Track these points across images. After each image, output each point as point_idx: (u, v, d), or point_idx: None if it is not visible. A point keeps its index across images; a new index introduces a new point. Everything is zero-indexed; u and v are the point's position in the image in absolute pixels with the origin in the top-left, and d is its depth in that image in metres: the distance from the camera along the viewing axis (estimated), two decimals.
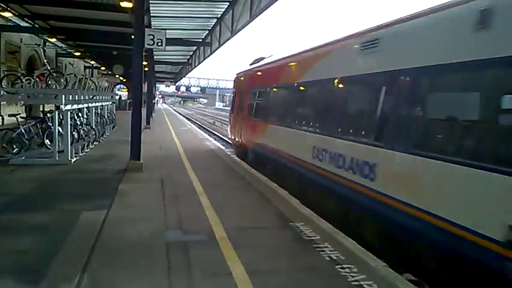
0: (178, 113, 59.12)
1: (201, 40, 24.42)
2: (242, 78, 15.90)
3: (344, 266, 4.58)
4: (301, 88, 9.72)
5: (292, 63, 10.59)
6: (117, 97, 35.96)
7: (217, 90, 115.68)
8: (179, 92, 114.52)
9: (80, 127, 12.40)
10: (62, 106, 10.21)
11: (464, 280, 4.82)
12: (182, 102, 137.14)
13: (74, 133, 11.27)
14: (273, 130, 11.16)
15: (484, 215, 4.34)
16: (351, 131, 7.11)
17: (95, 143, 13.88)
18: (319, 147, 8.02)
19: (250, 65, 15.61)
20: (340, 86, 7.75)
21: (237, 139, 15.47)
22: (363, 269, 4.52)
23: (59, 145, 10.38)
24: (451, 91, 5.28)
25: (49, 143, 10.94)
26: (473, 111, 4.72)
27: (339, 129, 7.42)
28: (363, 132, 6.66)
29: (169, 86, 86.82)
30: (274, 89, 11.93)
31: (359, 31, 7.23)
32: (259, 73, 13.75)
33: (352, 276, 4.32)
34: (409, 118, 5.68)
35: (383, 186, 5.87)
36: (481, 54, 4.50)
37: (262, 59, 14.75)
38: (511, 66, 4.16)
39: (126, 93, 44.81)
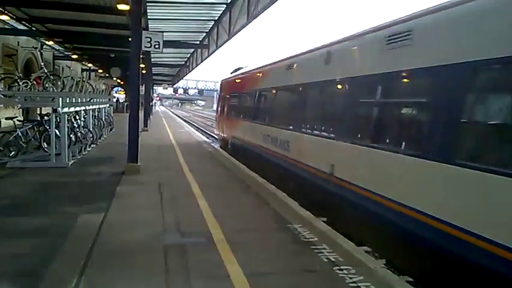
0: (176, 115, 59.05)
1: (198, 42, 24.43)
2: (224, 85, 19.90)
3: (342, 267, 4.58)
4: (256, 94, 13.30)
5: (251, 75, 14.44)
6: (115, 99, 36.02)
7: (215, 92, 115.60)
8: (177, 94, 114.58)
9: (77, 130, 12.38)
10: (59, 109, 10.19)
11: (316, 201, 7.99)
12: (180, 104, 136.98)
13: (71, 136, 11.25)
14: (241, 125, 15.09)
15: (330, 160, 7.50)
16: (278, 122, 10.87)
17: (92, 145, 13.86)
18: (265, 134, 11.76)
19: (231, 73, 18.87)
20: (273, 93, 11.91)
21: (220, 134, 19.65)
22: (361, 270, 4.52)
23: (56, 148, 10.36)
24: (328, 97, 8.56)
25: (46, 146, 10.91)
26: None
27: (274, 122, 11.24)
28: (284, 122, 10.35)
29: (167, 88, 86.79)
30: (243, 94, 15.38)
31: (282, 58, 11.24)
32: (235, 81, 17.26)
33: (350, 278, 4.31)
34: (299, 112, 9.49)
35: (293, 155, 9.48)
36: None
37: (239, 68, 17.79)
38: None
39: (124, 95, 44.81)
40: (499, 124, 4.33)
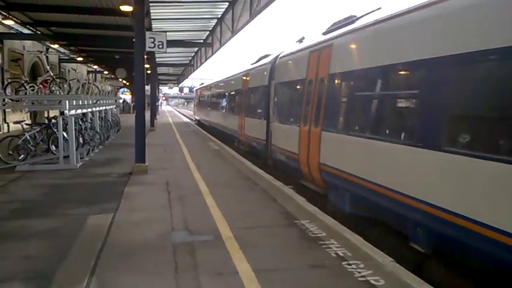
0: (182, 114, 59.21)
1: (202, 41, 24.45)
2: (196, 91, 39.87)
3: (351, 262, 4.59)
4: (208, 95, 27.33)
5: (205, 87, 31.25)
6: (121, 100, 36.19)
7: None
8: (182, 94, 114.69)
9: (85, 132, 12.47)
10: (66, 111, 10.27)
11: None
12: (186, 103, 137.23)
13: (78, 138, 11.33)
14: (205, 111, 28.76)
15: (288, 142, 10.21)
16: (229, 111, 18.69)
17: (100, 147, 13.96)
18: (216, 116, 22.28)
19: (199, 85, 39.81)
20: (215, 95, 24.00)
21: (195, 117, 37.87)
22: (370, 264, 4.52)
23: (64, 150, 10.44)
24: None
25: (54, 149, 11.01)
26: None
27: (227, 110, 19.11)
28: (232, 110, 17.92)
29: (172, 88, 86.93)
30: (202, 96, 31.97)
31: (213, 82, 26.44)
32: (199, 90, 36.10)
33: (359, 272, 4.32)
34: (242, 106, 15.99)
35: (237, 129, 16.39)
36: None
37: (203, 83, 37.23)
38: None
39: (130, 96, 44.99)
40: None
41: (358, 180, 6.49)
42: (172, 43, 19.56)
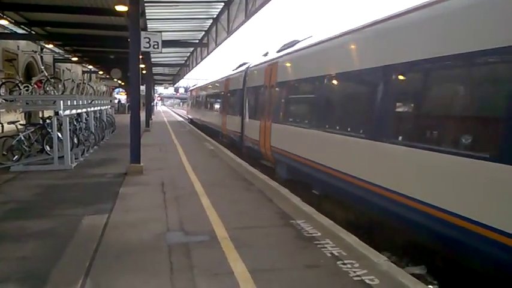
0: (178, 114, 59.12)
1: (197, 41, 24.43)
2: (189, 92, 42.08)
3: (346, 261, 4.61)
4: (199, 96, 30.30)
5: (197, 88, 34.19)
6: (116, 101, 36.09)
7: None
8: (178, 94, 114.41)
9: (79, 132, 12.42)
10: (61, 112, 10.23)
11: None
12: (181, 103, 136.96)
13: (73, 138, 11.29)
14: (195, 110, 32.29)
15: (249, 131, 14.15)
16: (214, 110, 22.10)
17: (94, 147, 13.91)
18: (205, 114, 25.57)
19: (192, 86, 44.94)
20: (203, 97, 27.71)
21: (188, 115, 40.28)
22: (365, 264, 4.54)
23: (58, 151, 10.40)
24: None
25: (49, 149, 10.96)
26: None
27: (213, 109, 22.55)
28: (217, 109, 21.31)
29: (167, 88, 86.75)
30: (194, 97, 34.45)
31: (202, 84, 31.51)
32: (192, 91, 38.18)
33: (354, 272, 4.34)
34: (224, 105, 19.06)
35: (220, 124, 19.19)
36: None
37: (195, 85, 40.67)
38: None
39: (125, 96, 44.87)
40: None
41: (291, 155, 9.60)
42: (167, 43, 19.54)
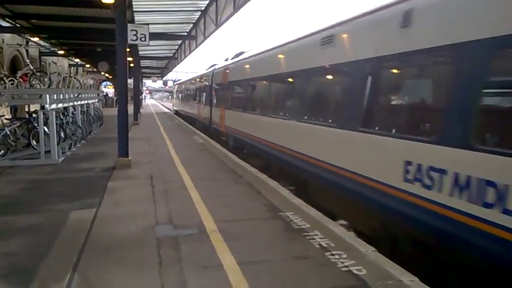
0: (166, 107, 58.80)
1: (186, 34, 24.27)
2: (174, 87, 50.11)
3: (334, 252, 4.65)
4: (180, 93, 37.85)
5: (180, 84, 40.12)
6: (104, 94, 35.74)
7: None
8: (167, 87, 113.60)
9: (66, 126, 12.30)
10: (47, 106, 10.10)
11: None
12: (170, 96, 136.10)
13: (60, 132, 11.16)
14: (178, 102, 38.09)
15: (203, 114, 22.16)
16: (193, 101, 26.44)
17: (82, 141, 13.78)
18: (186, 106, 30.93)
19: (175, 83, 55.93)
20: (185, 91, 33.70)
21: (174, 107, 44.17)
22: (353, 255, 4.59)
23: (45, 145, 10.28)
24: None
25: (35, 144, 10.84)
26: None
27: (192, 101, 27.08)
28: (195, 101, 25.60)
29: (156, 81, 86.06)
30: (178, 91, 40.59)
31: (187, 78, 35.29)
32: (176, 86, 45.11)
33: (342, 262, 4.38)
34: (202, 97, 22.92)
35: (197, 113, 24.03)
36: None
37: (179, 80, 47.85)
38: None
39: (113, 90, 44.46)
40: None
41: (234, 130, 14.02)
42: (155, 36, 19.36)
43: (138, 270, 4.19)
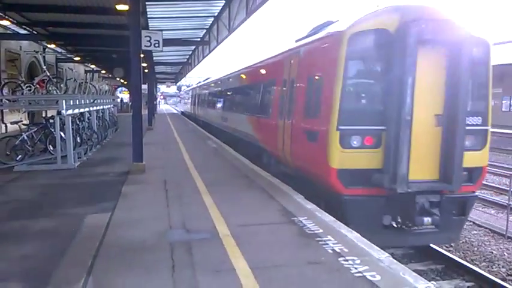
0: (178, 111, 59.36)
1: (199, 39, 24.46)
2: (179, 95, 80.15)
3: (347, 258, 4.61)
4: (182, 99, 60.51)
5: (187, 91, 48.83)
6: (119, 100, 36.21)
7: None
8: (181, 92, 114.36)
9: (82, 131, 12.46)
10: (63, 111, 10.27)
11: None
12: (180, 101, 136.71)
13: (76, 138, 11.32)
14: (182, 105, 56.92)
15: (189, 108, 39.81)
16: (188, 105, 42.30)
17: (97, 146, 13.96)
18: (186, 108, 45.13)
19: (180, 91, 74.35)
20: (185, 98, 51.10)
21: (180, 110, 58.24)
22: (366, 260, 4.54)
23: (61, 150, 10.44)
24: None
25: (52, 149, 11.00)
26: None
27: (187, 104, 44.51)
28: (188, 104, 41.92)
29: (170, 87, 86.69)
30: (182, 97, 61.47)
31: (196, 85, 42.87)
32: (181, 94, 70.09)
33: (356, 268, 4.34)
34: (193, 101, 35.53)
35: (192, 112, 36.90)
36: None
37: (191, 85, 54.18)
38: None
39: (128, 95, 44.95)
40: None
41: (201, 117, 28.00)
42: (169, 42, 19.55)
43: (151, 274, 4.22)
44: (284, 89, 9.47)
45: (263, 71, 12.24)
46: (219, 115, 19.48)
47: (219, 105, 20.22)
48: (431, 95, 6.65)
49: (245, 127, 13.33)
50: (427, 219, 6.63)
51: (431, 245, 7.71)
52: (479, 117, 6.98)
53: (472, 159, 6.79)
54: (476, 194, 7.52)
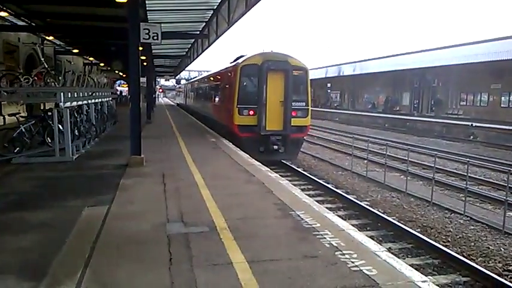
0: (179, 106, 59.45)
1: (198, 32, 24.33)
2: (175, 90, 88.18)
3: (344, 252, 4.62)
4: (178, 94, 75.01)
5: (184, 86, 56.41)
6: (118, 93, 36.16)
7: None
8: (177, 87, 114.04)
9: (80, 124, 12.43)
10: (61, 104, 10.24)
11: None
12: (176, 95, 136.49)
13: (74, 130, 11.30)
14: (178, 99, 68.79)
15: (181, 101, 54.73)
16: (181, 97, 58.53)
17: (96, 139, 13.93)
18: (180, 100, 59.92)
19: (178, 86, 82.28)
20: (180, 93, 67.29)
21: (176, 102, 68.21)
22: (363, 254, 4.56)
23: (60, 143, 10.42)
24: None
25: (50, 141, 10.98)
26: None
27: (181, 97, 59.11)
28: (182, 97, 56.57)
29: (168, 80, 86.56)
30: (178, 91, 74.45)
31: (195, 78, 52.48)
32: (177, 89, 80.00)
33: (352, 262, 4.36)
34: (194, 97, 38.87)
35: (183, 103, 50.53)
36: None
37: (189, 78, 67.00)
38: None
39: (127, 88, 44.89)
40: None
41: (188, 106, 39.31)
42: (168, 34, 19.46)
43: (149, 267, 4.23)
44: (222, 88, 18.49)
45: (215, 78, 21.69)
46: (198, 103, 29.95)
47: (198, 97, 30.62)
48: (276, 93, 14.69)
49: (208, 109, 23.14)
50: (276, 147, 14.75)
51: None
52: (303, 102, 15.27)
53: (300, 122, 15.20)
54: (304, 138, 16.57)
